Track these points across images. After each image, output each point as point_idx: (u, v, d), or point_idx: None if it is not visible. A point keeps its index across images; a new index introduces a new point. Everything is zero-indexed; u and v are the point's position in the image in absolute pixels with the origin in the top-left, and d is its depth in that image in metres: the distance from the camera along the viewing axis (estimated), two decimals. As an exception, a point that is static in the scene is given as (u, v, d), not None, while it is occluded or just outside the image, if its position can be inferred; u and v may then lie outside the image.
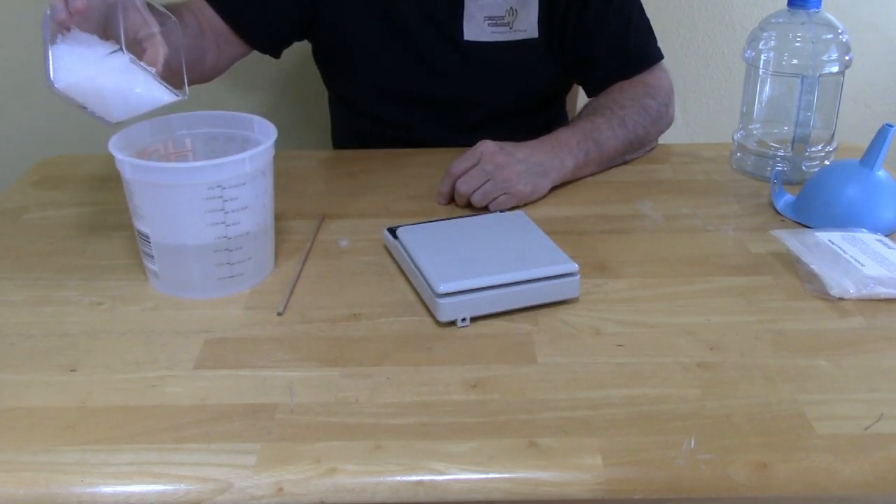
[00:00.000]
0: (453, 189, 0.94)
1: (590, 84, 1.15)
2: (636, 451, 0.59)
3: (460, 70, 1.12)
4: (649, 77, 1.10)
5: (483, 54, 1.11)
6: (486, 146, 0.94)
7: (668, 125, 1.12)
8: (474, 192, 0.93)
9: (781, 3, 1.01)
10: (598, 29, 1.09)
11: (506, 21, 1.09)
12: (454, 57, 1.11)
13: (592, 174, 1.03)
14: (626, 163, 1.07)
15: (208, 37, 1.06)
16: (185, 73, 0.83)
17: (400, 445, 0.59)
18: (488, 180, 0.93)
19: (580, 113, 1.09)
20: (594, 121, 1.03)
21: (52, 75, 0.74)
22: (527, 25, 1.10)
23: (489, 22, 1.09)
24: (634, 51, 1.11)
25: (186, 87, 0.82)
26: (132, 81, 0.77)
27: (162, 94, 0.79)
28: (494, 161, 0.93)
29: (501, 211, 0.92)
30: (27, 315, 0.76)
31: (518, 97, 1.15)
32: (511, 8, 1.08)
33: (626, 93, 1.08)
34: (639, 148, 1.08)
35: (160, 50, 0.80)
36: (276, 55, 1.15)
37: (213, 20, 1.06)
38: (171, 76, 0.81)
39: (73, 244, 0.89)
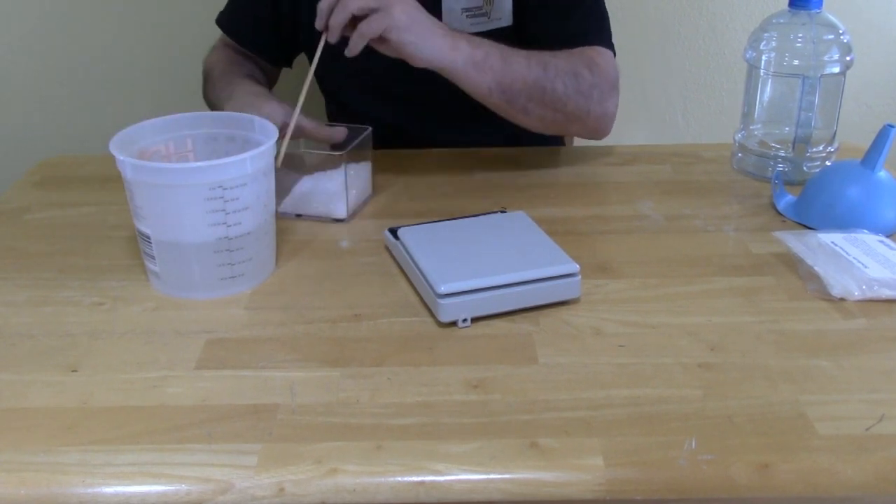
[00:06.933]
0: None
1: None
2: (637, 451, 0.59)
3: None
4: (596, 55, 1.04)
5: None
6: None
7: (600, 115, 1.03)
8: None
9: (782, 4, 1.01)
10: (543, 5, 1.07)
11: (483, 11, 1.08)
12: None
13: (490, 91, 0.97)
14: (547, 124, 1.02)
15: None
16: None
17: (401, 446, 0.59)
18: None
19: None
20: (516, 48, 0.98)
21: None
22: (502, 14, 1.09)
23: (467, 13, 1.08)
24: (575, 28, 1.06)
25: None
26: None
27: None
28: None
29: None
30: (28, 315, 0.77)
31: None
32: None
33: (566, 55, 1.02)
34: (550, 104, 0.99)
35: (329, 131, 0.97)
36: (288, 64, 1.24)
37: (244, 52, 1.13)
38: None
39: (75, 245, 0.89)
